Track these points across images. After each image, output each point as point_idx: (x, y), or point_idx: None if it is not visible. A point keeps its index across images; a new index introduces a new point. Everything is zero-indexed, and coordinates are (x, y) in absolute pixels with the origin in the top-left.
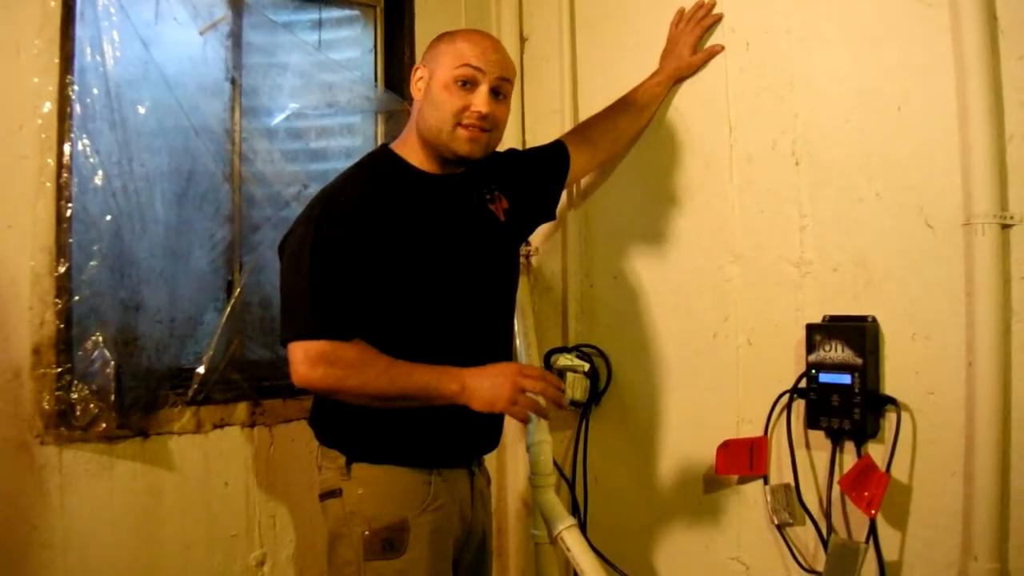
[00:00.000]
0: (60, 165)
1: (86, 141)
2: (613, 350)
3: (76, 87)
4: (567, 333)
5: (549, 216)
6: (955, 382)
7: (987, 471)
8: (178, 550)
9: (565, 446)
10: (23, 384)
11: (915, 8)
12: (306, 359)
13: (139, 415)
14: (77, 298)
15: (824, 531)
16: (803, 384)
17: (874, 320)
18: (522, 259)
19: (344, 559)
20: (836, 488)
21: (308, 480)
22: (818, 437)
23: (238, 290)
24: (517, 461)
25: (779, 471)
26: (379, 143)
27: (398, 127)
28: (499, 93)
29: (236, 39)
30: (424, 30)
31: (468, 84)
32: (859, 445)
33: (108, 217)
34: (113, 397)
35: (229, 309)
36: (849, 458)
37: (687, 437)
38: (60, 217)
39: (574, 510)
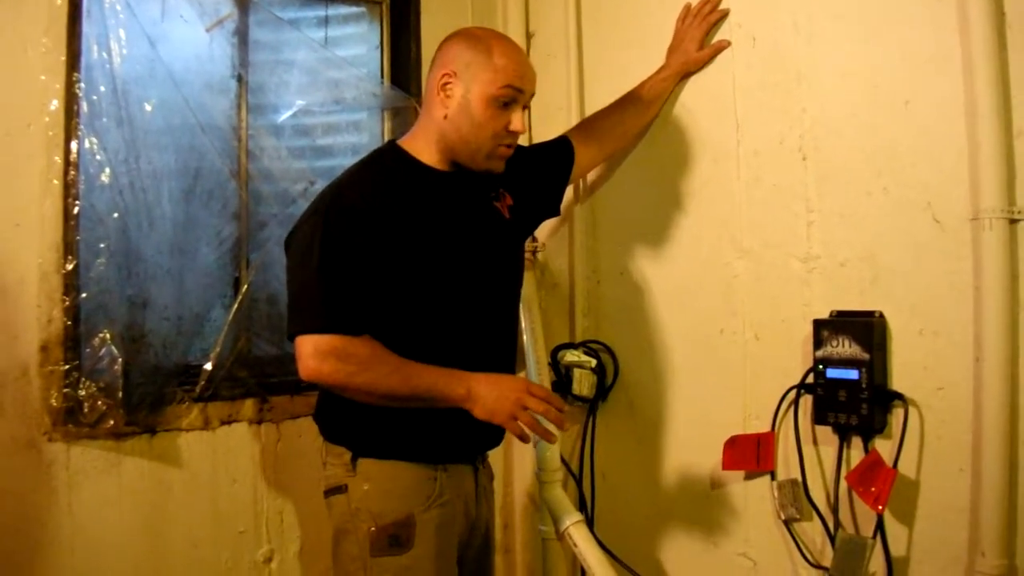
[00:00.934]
0: (67, 163)
1: (93, 139)
2: (620, 346)
3: (83, 85)
4: (574, 329)
5: (554, 212)
6: (963, 377)
7: (995, 467)
8: (186, 547)
9: (572, 442)
10: (31, 381)
11: (922, 2)
12: (316, 353)
13: (147, 412)
14: (85, 295)
15: (831, 527)
16: (810, 379)
17: (881, 315)
18: (529, 255)
19: (350, 555)
20: (843, 484)
21: (315, 476)
22: (825, 432)
23: (245, 287)
24: (524, 457)
25: (786, 467)
26: (386, 139)
27: (404, 123)
28: (526, 107)
29: (242, 36)
30: (430, 26)
31: (508, 104)
32: (866, 440)
33: (115, 215)
34: (121, 394)
35: (236, 306)
36: (856, 453)
37: (694, 433)
38: (67, 215)
39: (581, 506)
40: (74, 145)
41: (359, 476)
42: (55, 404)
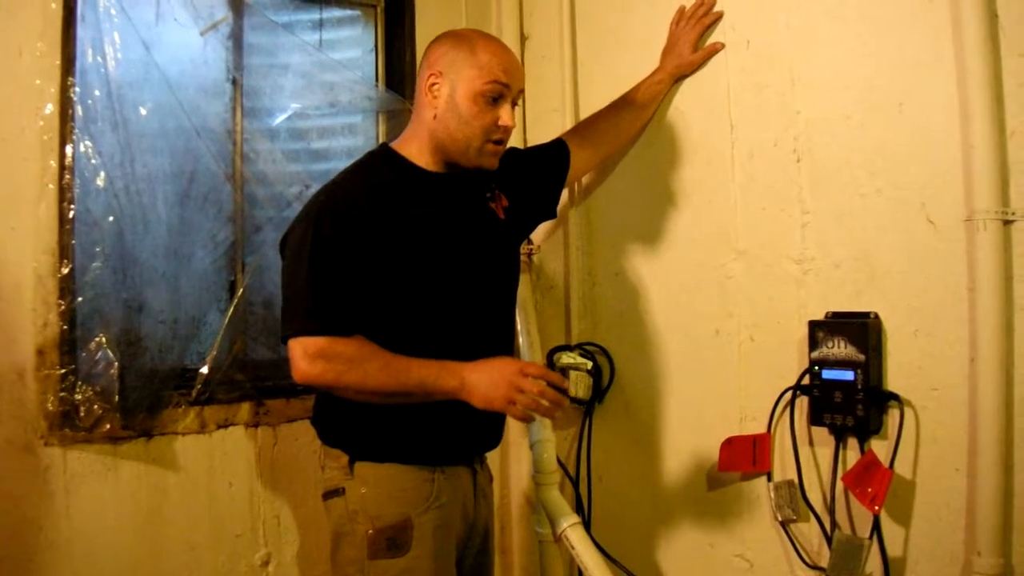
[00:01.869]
0: (62, 167)
1: (88, 143)
2: (616, 348)
3: (78, 89)
4: (570, 331)
5: (550, 214)
6: (958, 378)
7: (990, 467)
8: (183, 550)
9: (569, 444)
10: (27, 385)
11: (916, 5)
12: (305, 355)
13: (143, 416)
14: (80, 299)
15: (828, 527)
16: (806, 380)
17: (876, 316)
18: (524, 257)
19: (348, 558)
20: (840, 484)
21: (312, 479)
22: (821, 433)
23: (241, 290)
24: (521, 459)
25: (782, 468)
26: (380, 142)
27: (399, 126)
28: (515, 103)
29: (237, 40)
30: (425, 29)
31: (496, 100)
32: (862, 441)
33: (111, 218)
34: (117, 398)
35: (232, 309)
36: (852, 454)
37: (690, 434)
38: (63, 219)
39: (578, 508)
40: (69, 149)
41: (357, 479)
42: (51, 408)
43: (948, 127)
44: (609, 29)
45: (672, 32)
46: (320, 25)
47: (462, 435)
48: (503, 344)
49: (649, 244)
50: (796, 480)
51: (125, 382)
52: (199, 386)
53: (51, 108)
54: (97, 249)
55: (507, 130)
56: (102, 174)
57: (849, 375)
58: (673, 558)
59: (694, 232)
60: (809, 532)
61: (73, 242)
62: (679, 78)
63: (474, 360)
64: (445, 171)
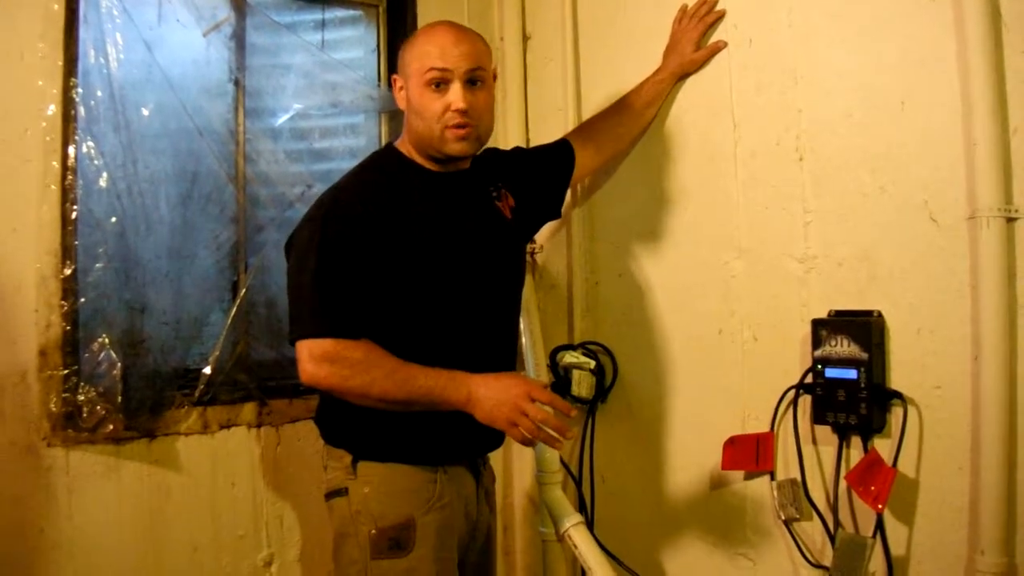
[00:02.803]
0: (65, 168)
1: (90, 144)
2: (619, 347)
3: (80, 90)
4: (572, 331)
5: (555, 214)
6: (961, 376)
7: (994, 465)
8: (186, 551)
9: (571, 443)
10: (30, 386)
11: (918, 2)
12: (311, 358)
13: (146, 416)
14: (83, 300)
15: (831, 526)
16: (809, 379)
17: (879, 315)
18: (527, 257)
19: (350, 558)
20: (843, 483)
21: (315, 480)
22: (824, 432)
23: (243, 291)
24: (523, 459)
25: (785, 466)
26: (383, 142)
27: (401, 126)
28: (475, 82)
29: (239, 40)
30: None
31: (440, 85)
32: (865, 440)
33: (113, 219)
34: (120, 398)
35: (235, 310)
36: (856, 453)
37: (693, 433)
38: (65, 220)
39: (581, 507)
40: (71, 150)
41: (359, 479)
42: (54, 409)
43: (951, 125)
44: (611, 28)
45: (674, 31)
46: (322, 25)
47: (465, 435)
48: (508, 343)
49: (652, 243)
50: (799, 479)
51: (128, 383)
52: (202, 386)
53: (53, 109)
54: (100, 250)
55: (460, 112)
56: (104, 175)
57: (852, 373)
58: (676, 557)
59: (696, 231)
60: (812, 531)
61: (76, 243)
62: (682, 77)
63: (479, 360)
64: (449, 169)
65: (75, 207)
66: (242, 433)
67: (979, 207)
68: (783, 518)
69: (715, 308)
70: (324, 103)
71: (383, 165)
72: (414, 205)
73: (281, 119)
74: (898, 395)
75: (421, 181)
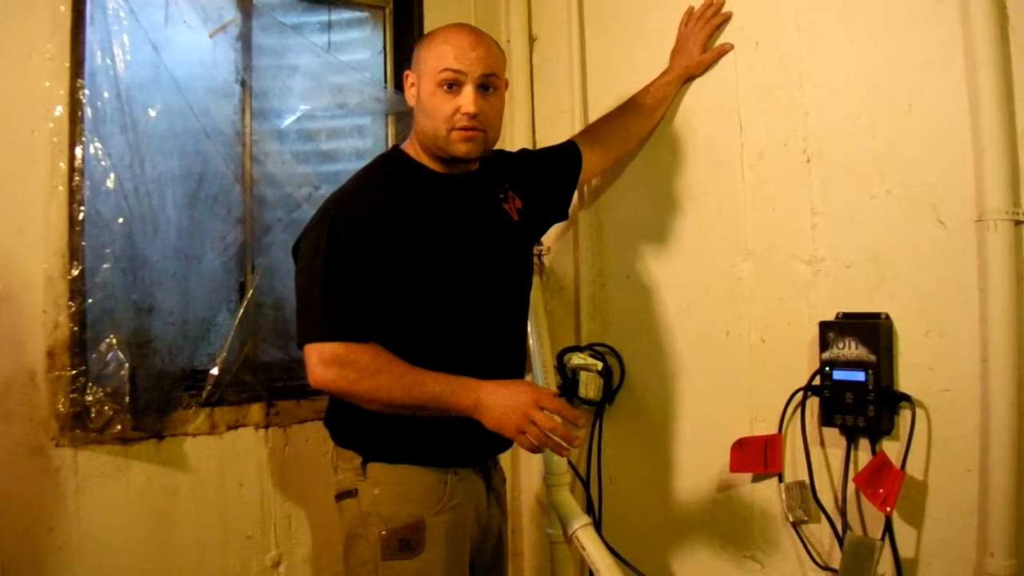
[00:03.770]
0: (72, 169)
1: (97, 144)
2: (626, 349)
3: (87, 91)
4: (580, 332)
5: (562, 216)
6: (969, 379)
7: (1002, 467)
8: (193, 551)
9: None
10: (38, 387)
11: (925, 4)
12: (320, 361)
13: (153, 417)
14: (91, 301)
15: (839, 528)
16: (817, 381)
17: (887, 317)
18: (534, 259)
19: (361, 559)
20: (851, 485)
21: (323, 480)
22: (832, 434)
23: (250, 292)
24: (531, 460)
25: (794, 469)
26: (390, 144)
27: (408, 128)
28: (487, 87)
29: (246, 41)
30: None
31: (453, 86)
32: (874, 442)
33: (120, 220)
34: (128, 399)
35: (242, 311)
36: (864, 455)
37: (701, 435)
38: (72, 220)
39: (589, 509)
40: (79, 151)
41: (369, 480)
42: (62, 410)
43: (958, 127)
44: (618, 30)
45: (681, 33)
46: (329, 27)
47: (475, 437)
48: (516, 345)
49: (659, 245)
50: (807, 481)
51: (135, 383)
52: (209, 387)
53: (60, 110)
54: (107, 251)
55: (470, 116)
56: (111, 176)
57: (860, 376)
58: (684, 559)
59: (704, 233)
60: (820, 533)
61: (83, 244)
62: (688, 79)
63: (487, 362)
64: (455, 171)
65: (82, 208)
66: (250, 434)
67: (987, 210)
68: (791, 520)
69: (722, 310)
70: (331, 105)
71: (390, 167)
72: (421, 207)
73: (288, 120)
74: (906, 397)
75: (428, 183)
